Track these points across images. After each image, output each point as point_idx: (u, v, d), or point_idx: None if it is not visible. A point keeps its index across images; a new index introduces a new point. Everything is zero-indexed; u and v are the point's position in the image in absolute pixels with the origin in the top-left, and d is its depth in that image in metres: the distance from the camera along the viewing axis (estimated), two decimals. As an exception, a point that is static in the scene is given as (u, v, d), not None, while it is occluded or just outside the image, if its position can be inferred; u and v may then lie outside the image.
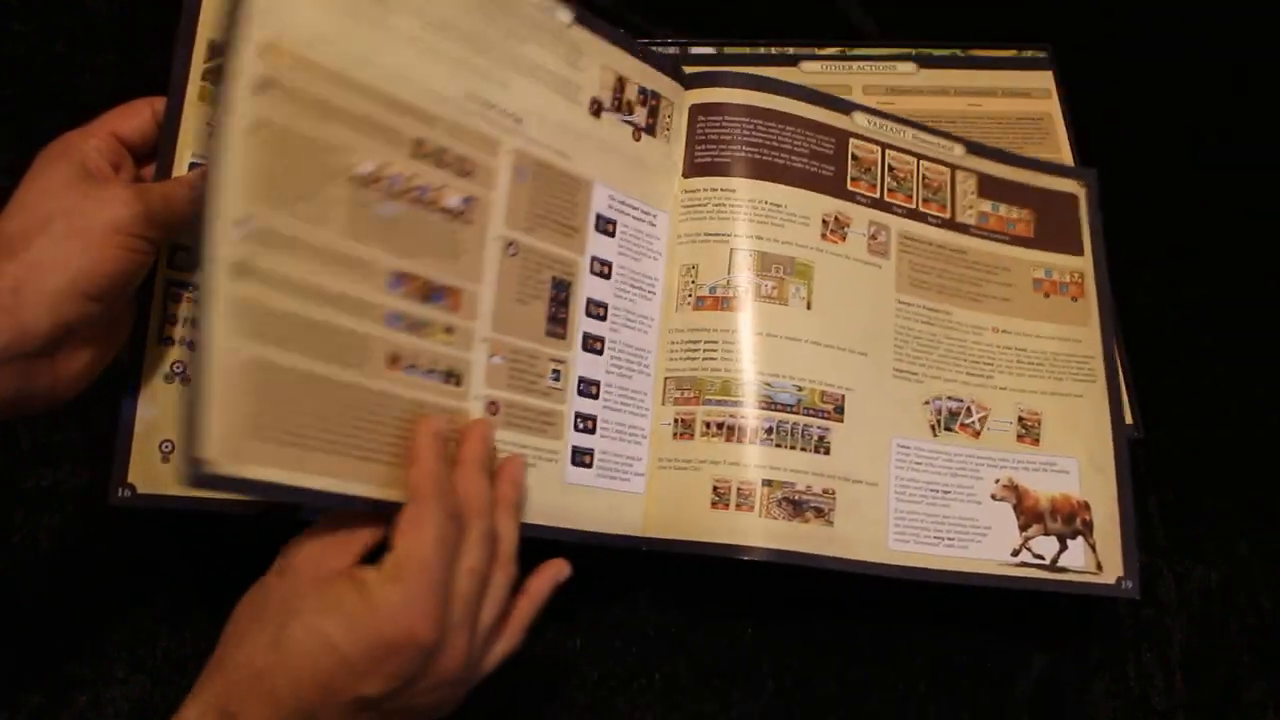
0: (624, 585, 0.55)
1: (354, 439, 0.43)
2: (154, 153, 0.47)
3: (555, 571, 0.45)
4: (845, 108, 0.57)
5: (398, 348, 0.45)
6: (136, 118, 0.46)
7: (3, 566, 0.53)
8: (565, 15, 0.52)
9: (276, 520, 0.50)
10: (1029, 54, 0.70)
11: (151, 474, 0.48)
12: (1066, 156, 0.66)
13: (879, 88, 0.68)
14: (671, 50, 0.69)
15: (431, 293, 0.47)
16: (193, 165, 0.47)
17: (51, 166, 0.42)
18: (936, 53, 0.69)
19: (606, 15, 0.70)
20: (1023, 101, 0.68)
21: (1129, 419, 0.59)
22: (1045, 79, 0.69)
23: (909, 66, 0.69)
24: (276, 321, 0.42)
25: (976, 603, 0.55)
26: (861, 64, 0.69)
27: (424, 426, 0.42)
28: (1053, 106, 0.68)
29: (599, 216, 0.52)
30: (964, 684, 0.54)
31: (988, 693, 0.54)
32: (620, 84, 0.54)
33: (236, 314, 0.41)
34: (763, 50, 0.69)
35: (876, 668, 0.54)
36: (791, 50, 0.69)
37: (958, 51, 0.70)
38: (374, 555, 0.40)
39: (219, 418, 0.40)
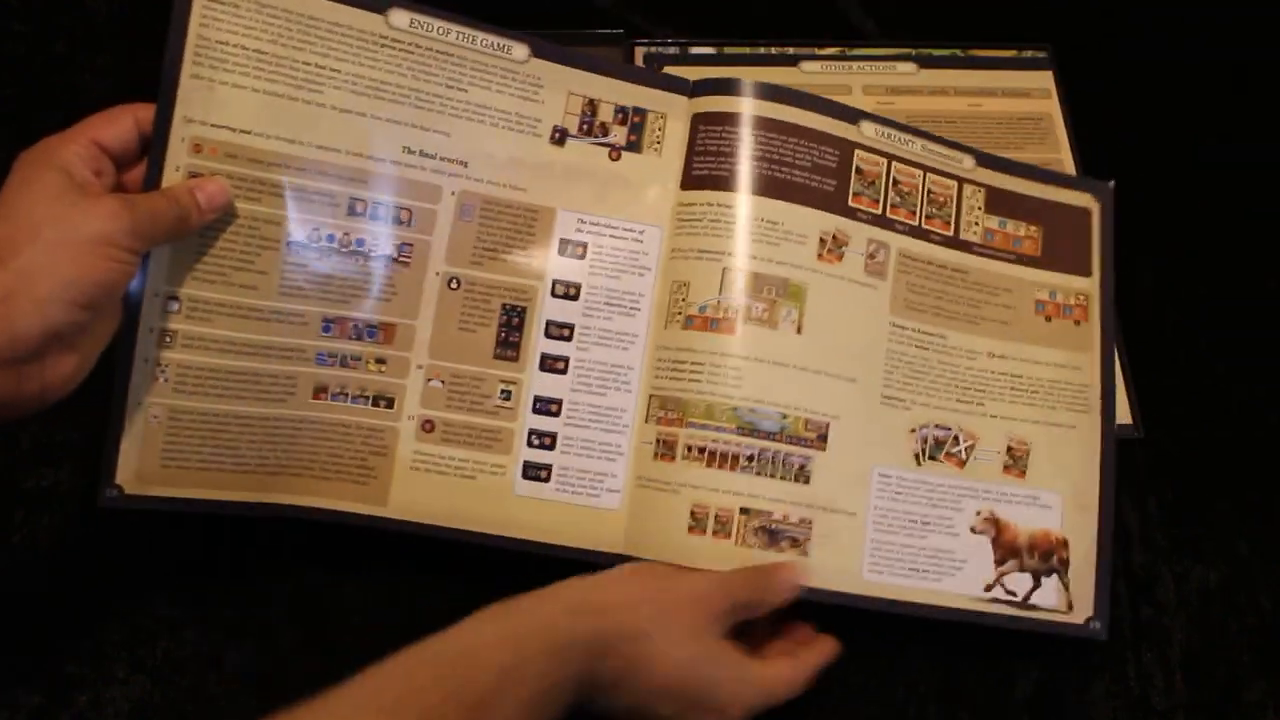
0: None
1: (271, 459, 0.49)
2: (134, 160, 0.47)
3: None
4: (853, 117, 0.55)
5: (325, 380, 0.50)
6: (118, 125, 0.46)
7: (3, 566, 0.53)
8: (521, 52, 0.52)
9: (273, 522, 0.50)
10: (1029, 54, 0.70)
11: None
12: (1067, 156, 0.66)
13: (879, 88, 0.68)
14: (671, 50, 0.69)
15: (364, 330, 0.51)
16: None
17: (37, 174, 0.42)
18: (936, 53, 0.69)
19: (605, 15, 0.71)
20: (1023, 101, 0.68)
21: (1129, 419, 0.59)
22: (1045, 79, 0.69)
23: (909, 66, 0.69)
24: (199, 377, 0.48)
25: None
26: (861, 64, 0.69)
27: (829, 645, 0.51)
28: (1053, 106, 0.68)
29: (564, 241, 0.53)
30: (964, 684, 0.54)
31: (988, 693, 0.54)
32: (591, 107, 0.53)
33: (157, 375, 0.48)
34: (763, 50, 0.69)
35: (876, 669, 0.54)
36: (791, 50, 0.69)
37: (958, 51, 0.70)
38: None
39: (131, 455, 0.48)
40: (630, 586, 0.48)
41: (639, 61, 0.68)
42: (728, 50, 0.69)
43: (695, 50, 0.69)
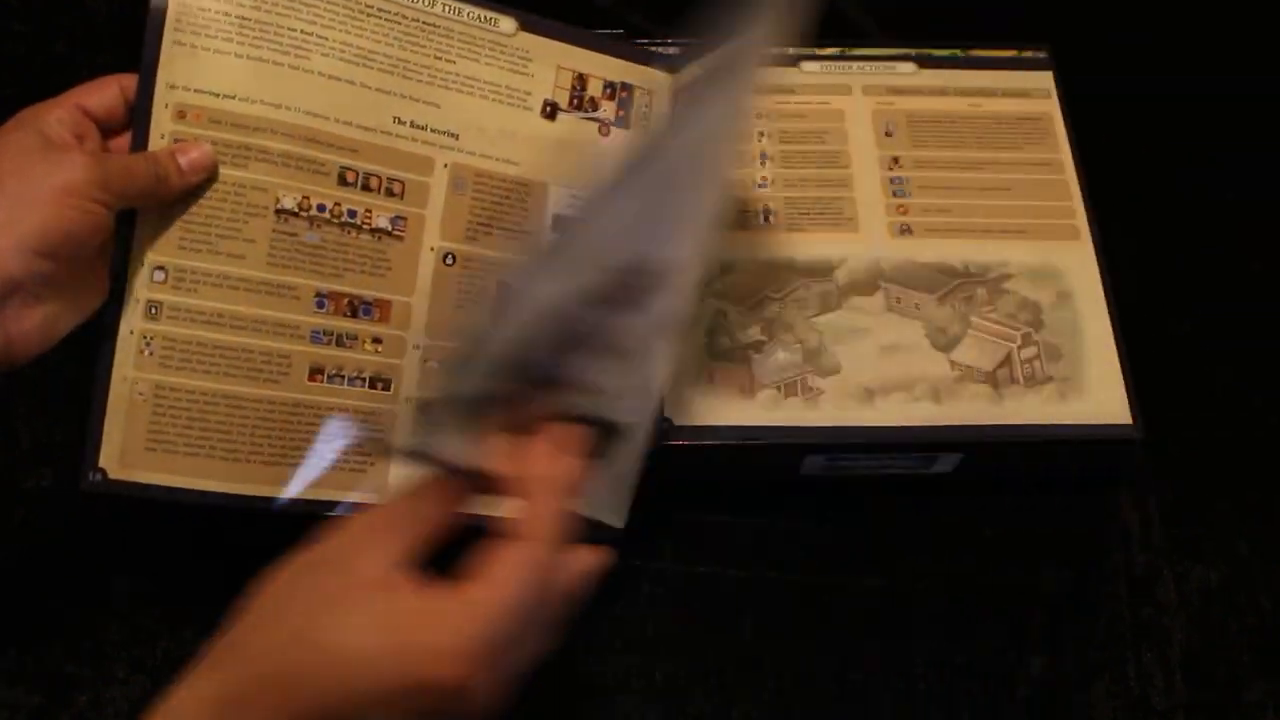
0: (624, 583, 0.55)
1: (265, 447, 0.47)
2: (121, 127, 0.47)
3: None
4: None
5: (321, 361, 0.49)
6: (104, 92, 0.46)
7: (2, 566, 0.53)
8: (508, 25, 0.52)
9: (276, 521, 0.50)
10: (1029, 54, 0.70)
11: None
12: (1066, 156, 0.65)
13: (879, 88, 0.68)
14: (671, 50, 0.69)
15: (359, 307, 0.49)
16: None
17: (11, 134, 0.43)
18: (936, 53, 0.69)
19: (605, 15, 0.71)
20: (1023, 101, 0.68)
21: (1129, 419, 0.59)
22: (1045, 79, 0.69)
23: (909, 66, 0.69)
24: (185, 350, 0.47)
25: (977, 602, 0.55)
26: (861, 64, 0.69)
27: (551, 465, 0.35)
28: (1053, 106, 0.67)
29: (556, 217, 0.52)
30: (964, 684, 0.54)
31: (988, 693, 0.54)
32: (581, 81, 0.53)
33: (142, 348, 0.46)
34: (763, 50, 0.69)
35: (876, 668, 0.54)
36: (791, 50, 0.69)
37: (958, 52, 0.70)
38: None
39: (115, 435, 0.45)
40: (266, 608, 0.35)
41: (639, 61, 0.68)
42: (728, 50, 0.69)
43: (695, 50, 0.69)
